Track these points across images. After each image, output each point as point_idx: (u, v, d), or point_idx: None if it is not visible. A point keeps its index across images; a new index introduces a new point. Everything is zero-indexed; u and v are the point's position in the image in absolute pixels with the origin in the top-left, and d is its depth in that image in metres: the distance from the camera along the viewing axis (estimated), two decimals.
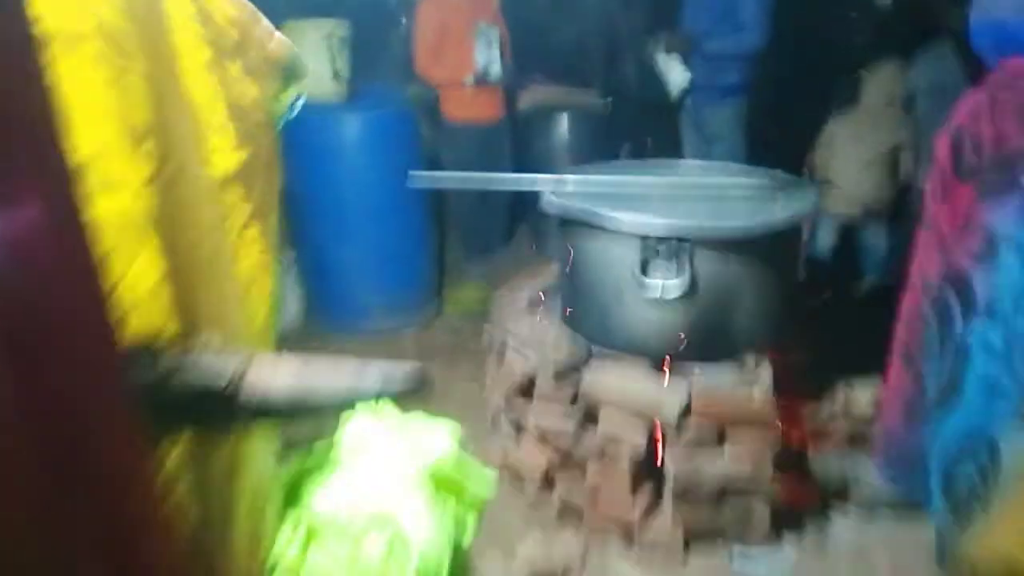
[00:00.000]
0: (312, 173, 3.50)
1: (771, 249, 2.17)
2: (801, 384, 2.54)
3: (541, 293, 2.76)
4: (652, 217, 2.13)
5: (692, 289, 2.12)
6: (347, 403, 1.01)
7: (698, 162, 2.83)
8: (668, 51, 3.94)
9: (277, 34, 1.28)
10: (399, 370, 0.99)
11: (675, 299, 2.12)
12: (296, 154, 3.64)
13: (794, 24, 3.93)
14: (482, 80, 4.05)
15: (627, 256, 2.15)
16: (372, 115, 3.51)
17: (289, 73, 1.31)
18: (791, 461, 2.34)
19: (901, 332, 1.86)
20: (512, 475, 2.57)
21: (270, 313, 1.29)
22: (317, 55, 3.40)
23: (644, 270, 2.13)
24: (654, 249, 2.12)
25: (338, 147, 3.49)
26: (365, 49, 4.38)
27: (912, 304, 1.77)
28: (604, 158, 4.82)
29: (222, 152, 1.11)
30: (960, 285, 1.55)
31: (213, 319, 1.03)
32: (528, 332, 2.46)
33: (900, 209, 3.48)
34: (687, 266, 2.10)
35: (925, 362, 1.69)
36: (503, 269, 4.50)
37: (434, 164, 4.30)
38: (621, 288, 2.21)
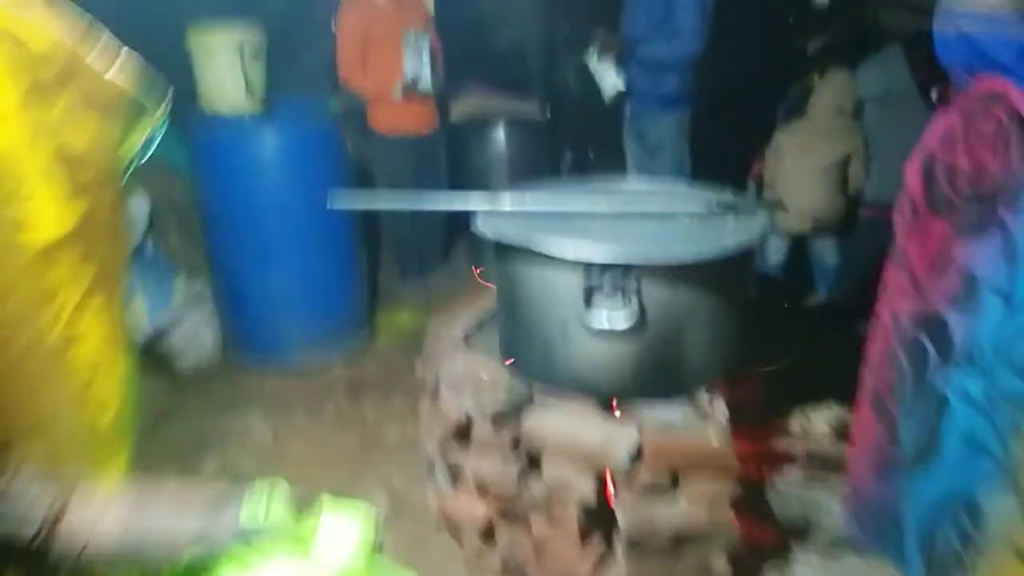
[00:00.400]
0: (225, 195, 3.24)
1: (723, 276, 1.99)
2: (756, 413, 2.39)
3: (477, 325, 2.55)
4: (595, 243, 1.93)
5: (640, 321, 1.93)
6: (197, 554, 0.77)
7: (643, 181, 2.64)
8: (601, 54, 3.77)
9: (120, 59, 1.03)
10: (274, 500, 0.76)
11: (622, 332, 1.93)
12: (208, 175, 3.38)
13: (734, 30, 3.80)
14: (411, 90, 3.82)
15: (569, 286, 1.95)
16: (289, 130, 3.24)
17: (137, 108, 1.07)
18: (750, 500, 2.18)
19: (870, 377, 1.69)
20: (450, 526, 2.35)
21: (124, 406, 1.04)
22: (226, 66, 3.13)
23: (588, 301, 1.93)
24: (597, 278, 1.92)
25: (253, 166, 3.21)
26: (289, 58, 4.11)
27: (882, 347, 1.60)
28: (544, 170, 4.69)
29: (46, 211, 0.88)
30: (936, 329, 1.39)
31: (32, 430, 0.79)
32: (463, 370, 2.24)
33: (851, 223, 3.37)
34: (634, 296, 1.91)
35: (899, 412, 1.53)
36: (441, 290, 4.28)
37: (364, 180, 4.06)
38: (564, 321, 2.01)
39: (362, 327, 3.74)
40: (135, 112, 1.10)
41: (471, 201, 2.28)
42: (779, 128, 3.54)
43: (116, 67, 1.04)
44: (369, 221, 4.01)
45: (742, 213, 2.21)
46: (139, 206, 3.48)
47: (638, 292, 1.91)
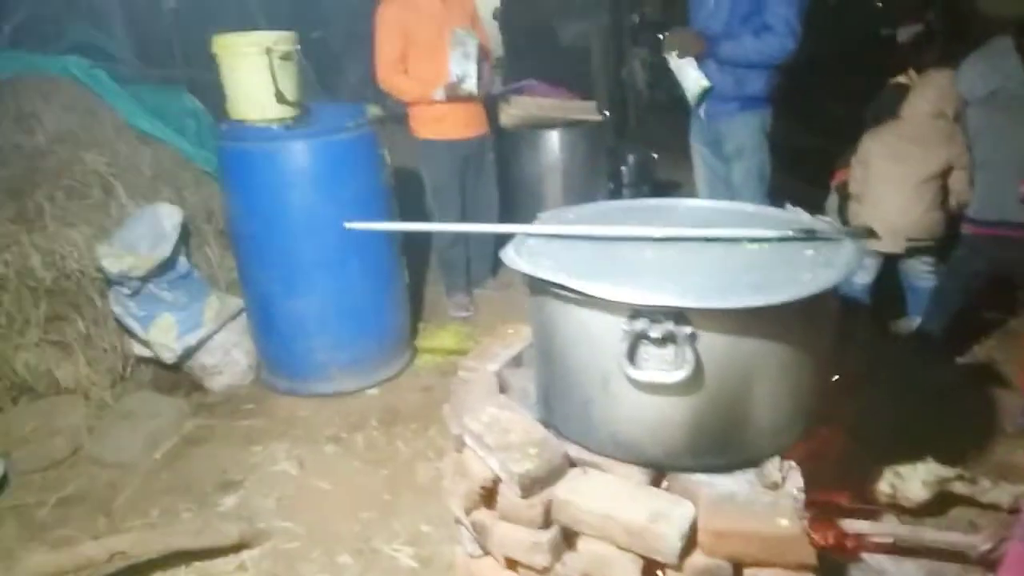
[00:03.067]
0: (253, 208, 3.03)
1: (799, 321, 1.65)
2: (837, 474, 2.04)
3: (516, 361, 2.26)
4: (639, 284, 1.61)
5: (695, 375, 1.61)
6: None
7: (705, 203, 2.28)
8: (681, 52, 3.35)
9: None
10: None
11: (673, 388, 1.61)
12: (235, 186, 3.16)
13: (816, 18, 3.37)
14: (455, 91, 3.54)
15: (611, 331, 1.64)
16: (322, 140, 3.01)
17: None
18: None
19: None
20: None
21: None
22: (254, 72, 2.91)
23: (632, 350, 1.62)
24: (644, 323, 1.60)
25: (282, 178, 3.00)
26: (330, 62, 3.90)
27: None
28: (602, 176, 4.38)
29: None
30: None
31: None
32: (490, 422, 1.94)
33: (950, 241, 2.94)
34: (688, 345, 1.58)
35: None
36: (489, 308, 4.01)
37: (412, 187, 3.82)
38: (605, 372, 1.69)
39: (402, 348, 3.49)
40: None
41: (501, 225, 2.00)
42: (867, 133, 3.12)
43: None
44: (413, 234, 3.77)
45: (824, 240, 1.85)
46: (170, 217, 3.31)
47: (693, 340, 1.58)
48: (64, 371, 3.19)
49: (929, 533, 1.99)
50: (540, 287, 1.80)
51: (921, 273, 3.08)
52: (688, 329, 1.57)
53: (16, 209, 3.14)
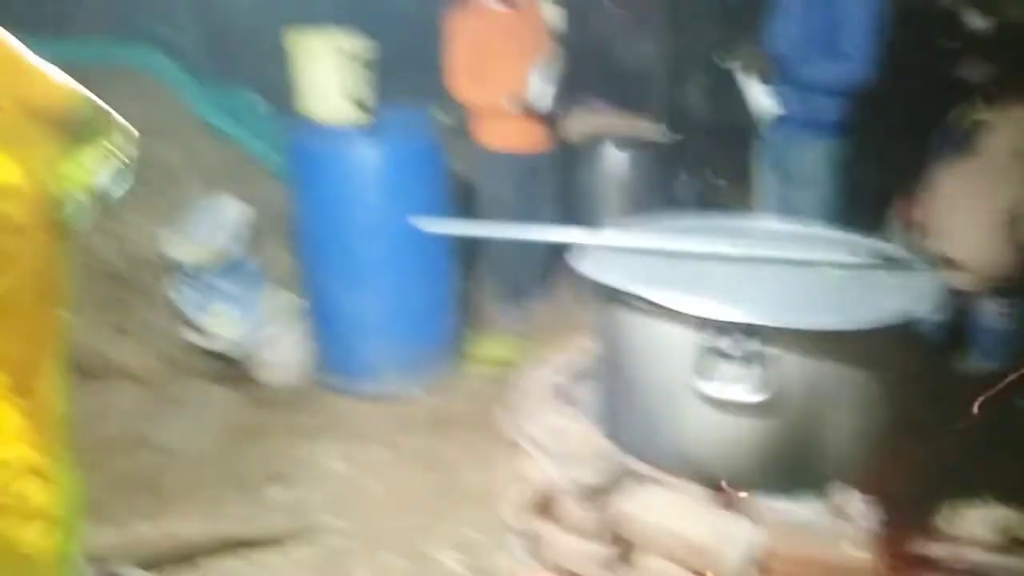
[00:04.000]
0: (319, 208, 3.08)
1: (880, 349, 1.61)
2: (905, 511, 1.98)
3: (575, 374, 2.24)
4: (715, 300, 1.59)
5: (769, 396, 1.58)
6: None
7: (778, 219, 2.25)
8: (746, 71, 3.32)
9: (51, 73, 0.78)
10: None
11: (744, 407, 1.58)
12: (302, 185, 3.21)
13: (899, 52, 3.32)
14: (526, 108, 3.56)
15: (680, 349, 1.61)
16: (390, 145, 3.05)
17: (86, 129, 0.82)
18: None
19: None
20: None
21: (58, 529, 0.78)
22: (327, 72, 2.96)
23: (705, 365, 1.59)
24: (719, 339, 1.58)
25: (349, 181, 3.04)
26: (400, 65, 3.94)
27: None
28: (664, 198, 4.34)
29: None
30: None
31: None
32: (551, 430, 1.93)
33: None
34: (759, 368, 1.55)
35: None
36: (540, 319, 4.00)
37: (467, 196, 3.84)
38: (672, 389, 1.67)
39: (453, 354, 3.50)
40: (83, 135, 0.86)
41: (570, 233, 1.99)
42: (939, 164, 3.05)
43: (45, 83, 0.80)
44: (467, 242, 3.78)
45: (902, 268, 1.81)
46: (233, 210, 3.37)
47: (764, 363, 1.55)
48: (123, 355, 3.24)
49: (1010, 560, 1.91)
50: (609, 296, 1.78)
51: (995, 314, 2.99)
52: (770, 349, 1.54)
53: None
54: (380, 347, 3.21)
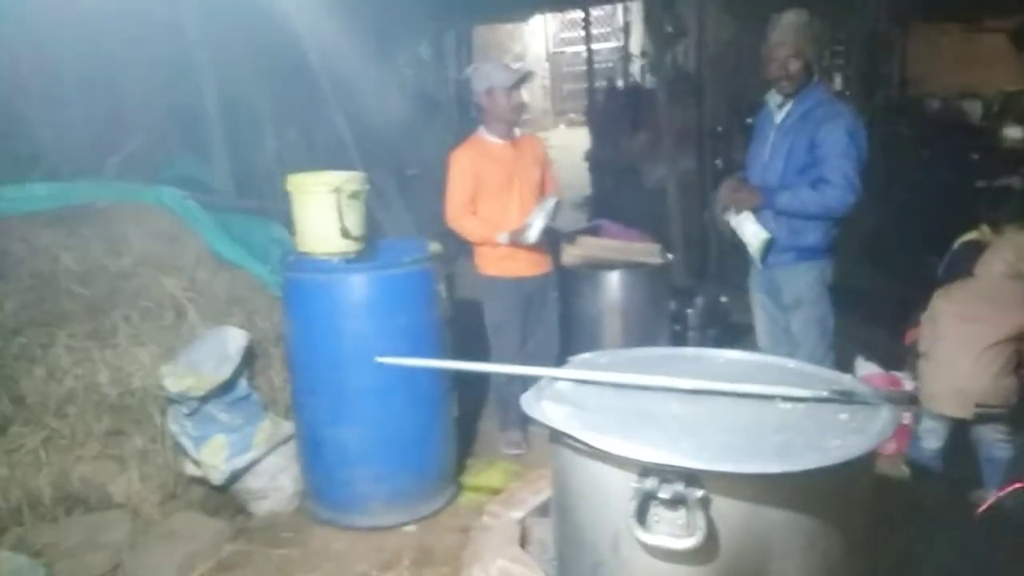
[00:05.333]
0: (309, 337, 3.13)
1: (823, 496, 1.54)
2: None
3: (542, 509, 2.17)
4: (653, 442, 1.54)
5: (707, 548, 1.50)
6: None
7: (744, 356, 2.19)
8: (736, 208, 3.36)
9: None
10: None
11: (683, 555, 1.50)
12: (294, 316, 3.29)
13: (916, 174, 3.33)
14: (518, 240, 3.62)
15: (621, 492, 1.56)
16: (380, 275, 3.11)
17: None
18: None
19: None
20: None
21: None
22: (322, 210, 3.07)
23: (642, 515, 1.53)
24: (654, 483, 1.52)
25: (339, 309, 3.09)
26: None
27: None
28: (665, 320, 4.32)
29: None
30: None
31: None
32: None
33: None
34: (700, 515, 1.48)
35: None
36: (543, 446, 3.90)
37: (473, 322, 3.87)
38: (615, 532, 1.60)
39: (445, 484, 3.42)
40: None
41: (526, 368, 1.98)
42: (938, 289, 2.98)
43: None
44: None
45: (862, 404, 1.74)
46: (235, 339, 3.43)
47: (706, 505, 1.49)
48: (117, 486, 3.25)
49: None
50: (555, 435, 1.75)
51: (995, 442, 2.84)
52: (699, 492, 1.48)
53: (93, 326, 3.33)
54: (366, 477, 3.16)
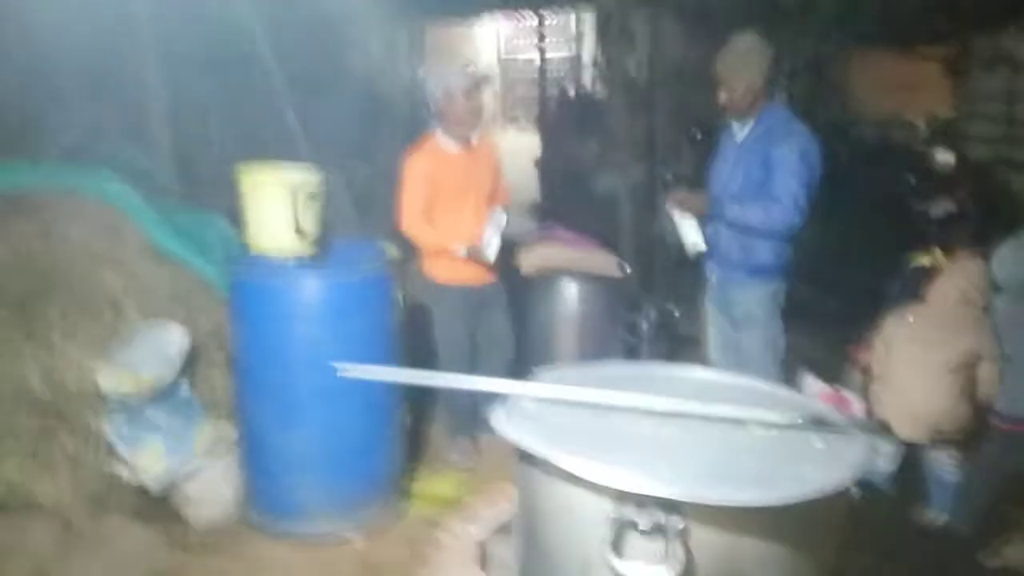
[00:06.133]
0: (254, 340, 3.02)
1: (801, 525, 1.52)
2: None
3: (503, 528, 2.11)
4: (633, 469, 1.50)
5: (686, 574, 1.46)
6: None
7: (718, 376, 2.18)
8: (681, 209, 3.39)
9: None
10: None
11: None
12: (240, 317, 3.14)
13: (852, 193, 3.39)
14: (475, 256, 3.58)
15: (594, 517, 1.51)
16: (332, 278, 3.00)
17: None
18: None
19: None
20: None
21: None
22: (276, 207, 2.95)
23: (618, 543, 1.48)
24: (631, 512, 1.47)
25: (290, 313, 2.98)
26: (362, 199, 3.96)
27: None
28: (617, 330, 4.32)
29: None
30: None
31: None
32: None
33: (977, 435, 2.78)
34: (678, 545, 1.45)
35: None
36: (493, 456, 3.85)
37: (419, 326, 3.78)
38: (586, 561, 1.55)
39: (392, 494, 3.32)
40: None
41: (493, 383, 1.91)
42: (891, 313, 3.03)
43: None
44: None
45: (834, 432, 1.74)
46: (176, 339, 3.28)
47: (684, 535, 1.45)
48: (43, 488, 3.07)
49: None
50: (525, 455, 1.69)
51: (946, 466, 2.91)
52: (679, 522, 1.45)
53: (25, 321, 3.14)
54: (309, 485, 3.05)
